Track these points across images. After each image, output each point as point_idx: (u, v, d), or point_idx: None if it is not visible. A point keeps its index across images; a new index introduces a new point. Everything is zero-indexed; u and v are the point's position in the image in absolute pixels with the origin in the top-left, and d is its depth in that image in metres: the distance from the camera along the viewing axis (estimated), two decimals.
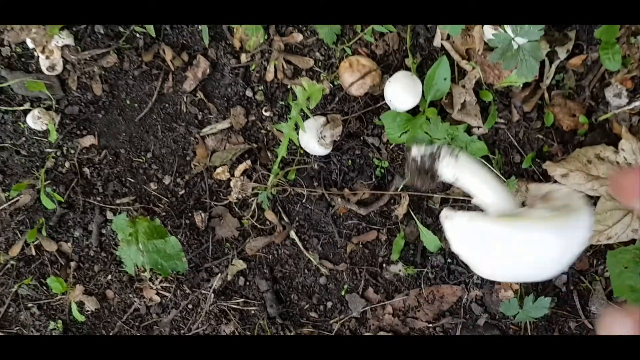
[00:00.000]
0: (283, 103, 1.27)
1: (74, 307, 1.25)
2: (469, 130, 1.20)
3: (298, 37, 1.26)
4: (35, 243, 1.34)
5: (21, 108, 1.27)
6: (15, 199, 1.29)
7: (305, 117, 1.18)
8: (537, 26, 1.08)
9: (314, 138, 1.20)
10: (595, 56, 1.17)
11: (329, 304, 1.30)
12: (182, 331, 1.28)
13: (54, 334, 1.29)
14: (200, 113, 1.29)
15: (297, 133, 1.19)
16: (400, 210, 1.25)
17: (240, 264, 1.31)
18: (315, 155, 1.25)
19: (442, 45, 1.22)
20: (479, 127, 1.22)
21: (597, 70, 1.20)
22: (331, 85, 1.25)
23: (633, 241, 1.14)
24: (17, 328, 1.31)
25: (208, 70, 1.28)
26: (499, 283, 1.25)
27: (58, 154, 1.29)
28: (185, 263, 1.17)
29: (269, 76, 1.28)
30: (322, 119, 1.21)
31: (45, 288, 1.32)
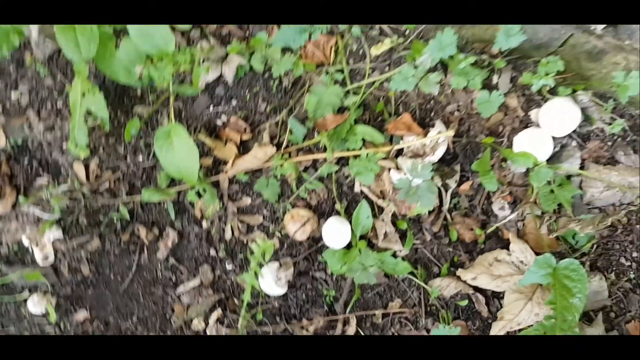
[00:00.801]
0: (242, 255, 1.53)
1: None
2: (394, 254, 1.49)
3: (247, 200, 1.56)
4: None
5: (22, 297, 1.49)
6: None
7: (261, 266, 1.45)
8: (427, 169, 1.42)
9: (271, 281, 1.46)
10: (479, 181, 1.52)
11: None
12: None
13: None
14: (174, 275, 1.54)
15: (257, 279, 1.45)
16: (351, 330, 1.50)
17: None
18: (274, 295, 1.51)
19: (361, 190, 1.54)
20: (400, 250, 1.51)
21: (483, 192, 1.53)
22: (279, 235, 1.53)
23: None
24: None
25: (176, 239, 1.55)
26: None
27: (57, 330, 1.50)
28: None
29: (228, 235, 1.55)
30: (276, 264, 1.48)
31: None
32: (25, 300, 1.49)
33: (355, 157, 1.47)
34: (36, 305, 1.46)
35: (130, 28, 1.35)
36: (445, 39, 1.38)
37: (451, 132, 1.44)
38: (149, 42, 1.36)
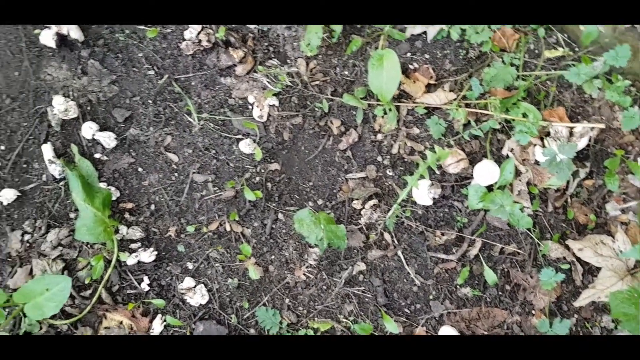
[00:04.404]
0: (401, 169, 1.91)
1: (251, 268, 1.77)
2: (521, 209, 1.82)
3: (416, 130, 1.94)
4: (227, 224, 1.90)
5: (236, 136, 1.90)
6: (220, 193, 1.86)
7: (429, 169, 1.81)
8: (572, 148, 1.76)
9: (424, 192, 1.83)
10: (600, 182, 1.84)
11: (418, 306, 1.83)
12: (316, 304, 1.80)
13: (230, 287, 1.79)
14: (347, 164, 1.93)
15: (417, 183, 1.81)
16: (473, 251, 1.84)
17: (362, 266, 1.85)
18: (421, 204, 1.86)
19: (507, 153, 1.90)
20: (528, 207, 1.85)
21: (602, 191, 1.86)
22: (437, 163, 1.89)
23: None
24: (204, 279, 1.82)
25: (356, 139, 1.94)
26: (533, 314, 1.79)
27: (254, 170, 1.90)
28: (345, 243, 1.74)
29: (394, 150, 1.93)
30: (429, 182, 1.85)
31: (229, 255, 1.85)
32: (238, 140, 1.89)
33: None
34: (246, 146, 1.87)
35: None
36: (622, 51, 1.71)
37: (602, 125, 1.78)
38: None
